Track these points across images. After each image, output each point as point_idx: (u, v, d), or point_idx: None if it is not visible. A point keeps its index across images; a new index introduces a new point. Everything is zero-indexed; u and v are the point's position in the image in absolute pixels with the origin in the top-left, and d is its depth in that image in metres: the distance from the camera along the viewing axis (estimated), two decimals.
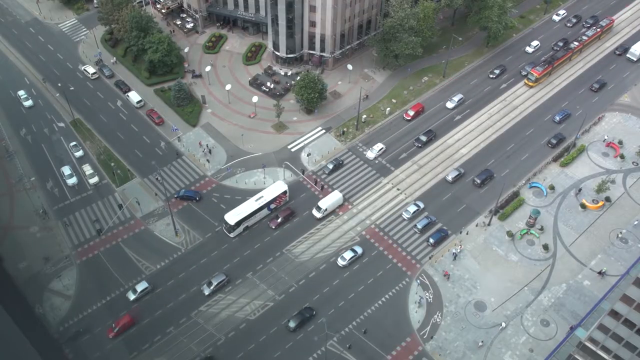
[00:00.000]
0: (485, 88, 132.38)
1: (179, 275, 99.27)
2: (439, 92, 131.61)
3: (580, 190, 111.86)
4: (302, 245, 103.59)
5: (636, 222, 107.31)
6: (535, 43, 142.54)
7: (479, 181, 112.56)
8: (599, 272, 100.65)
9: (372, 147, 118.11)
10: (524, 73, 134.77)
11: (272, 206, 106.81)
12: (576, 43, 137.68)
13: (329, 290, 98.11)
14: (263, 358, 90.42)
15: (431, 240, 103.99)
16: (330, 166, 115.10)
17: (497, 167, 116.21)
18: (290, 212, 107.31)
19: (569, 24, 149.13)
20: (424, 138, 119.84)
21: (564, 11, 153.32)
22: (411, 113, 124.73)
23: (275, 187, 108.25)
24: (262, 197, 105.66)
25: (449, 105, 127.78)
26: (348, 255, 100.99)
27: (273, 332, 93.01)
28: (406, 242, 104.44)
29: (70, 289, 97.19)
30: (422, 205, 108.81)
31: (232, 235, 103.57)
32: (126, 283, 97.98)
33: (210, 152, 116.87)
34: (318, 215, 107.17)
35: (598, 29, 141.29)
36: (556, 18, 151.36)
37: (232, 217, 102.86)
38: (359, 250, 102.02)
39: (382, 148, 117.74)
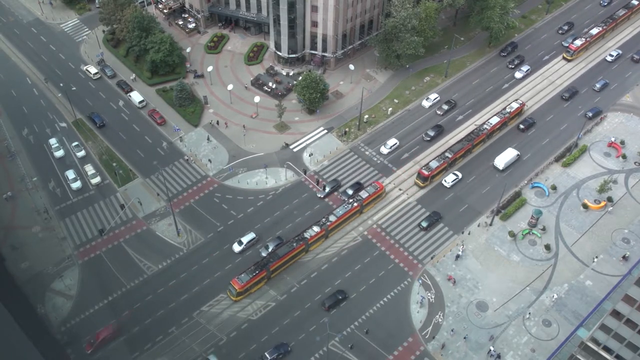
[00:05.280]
0: (487, 88, 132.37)
1: (180, 276, 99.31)
2: (441, 92, 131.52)
3: None
4: None
5: (610, 209, 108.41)
6: (392, 142, 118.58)
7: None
8: (623, 257, 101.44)
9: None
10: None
11: None
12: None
13: (331, 290, 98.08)
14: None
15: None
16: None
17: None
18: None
19: (439, 112, 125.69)
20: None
21: (436, 95, 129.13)
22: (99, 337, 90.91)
23: None
24: None
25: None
26: None
27: (275, 332, 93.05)
28: (408, 242, 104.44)
29: (72, 289, 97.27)
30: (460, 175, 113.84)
31: None
32: (128, 283, 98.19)
33: (217, 123, 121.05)
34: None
35: (369, 195, 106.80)
36: (426, 104, 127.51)
37: None
38: None
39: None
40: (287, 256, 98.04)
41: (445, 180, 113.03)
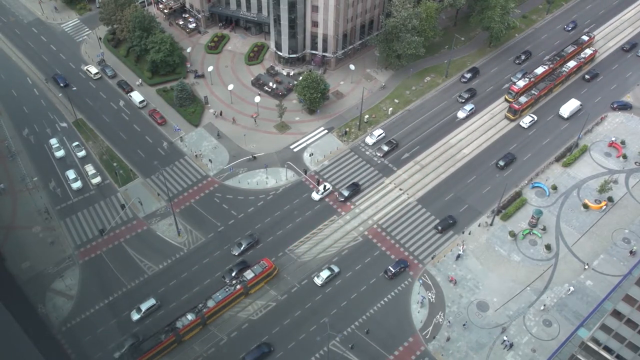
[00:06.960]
0: (488, 88, 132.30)
1: (181, 276, 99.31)
2: (441, 92, 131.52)
3: None
4: (304, 246, 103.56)
5: (605, 208, 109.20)
6: (325, 186, 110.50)
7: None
8: (630, 252, 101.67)
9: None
10: None
11: None
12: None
13: (332, 290, 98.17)
14: (265, 358, 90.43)
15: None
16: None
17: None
18: None
19: (379, 153, 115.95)
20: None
21: (380, 131, 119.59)
22: None
23: None
24: None
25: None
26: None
27: (275, 332, 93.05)
28: (408, 242, 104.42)
29: (73, 288, 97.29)
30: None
31: None
32: (128, 283, 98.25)
33: (221, 114, 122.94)
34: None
35: (255, 275, 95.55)
36: (369, 140, 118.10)
37: None
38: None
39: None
40: (153, 351, 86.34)
41: (523, 122, 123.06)
